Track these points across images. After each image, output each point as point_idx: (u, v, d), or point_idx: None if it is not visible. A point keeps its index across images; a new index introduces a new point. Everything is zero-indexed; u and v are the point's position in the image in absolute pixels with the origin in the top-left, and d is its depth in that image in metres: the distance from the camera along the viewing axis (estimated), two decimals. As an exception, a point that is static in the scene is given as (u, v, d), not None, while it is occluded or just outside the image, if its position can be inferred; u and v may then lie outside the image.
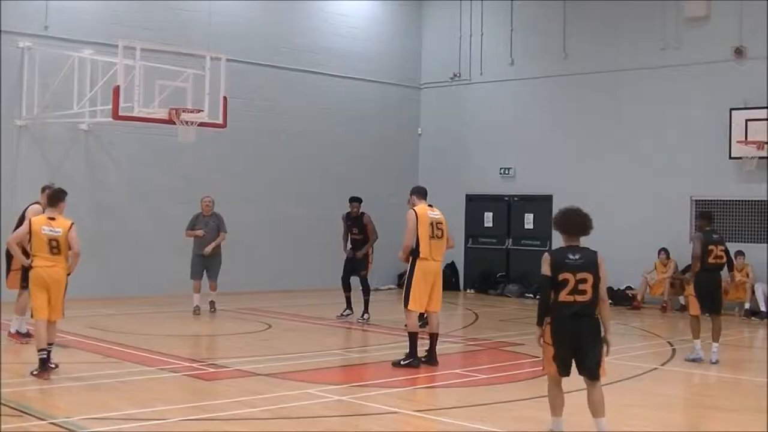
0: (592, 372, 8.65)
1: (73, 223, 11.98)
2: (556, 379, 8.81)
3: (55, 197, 12.21)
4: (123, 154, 21.59)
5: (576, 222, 8.77)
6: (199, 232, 18.81)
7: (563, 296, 8.53)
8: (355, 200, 18.51)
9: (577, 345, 8.60)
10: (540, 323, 8.72)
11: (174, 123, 18.50)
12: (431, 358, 13.33)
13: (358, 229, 18.40)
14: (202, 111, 18.72)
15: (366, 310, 18.28)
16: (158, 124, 18.99)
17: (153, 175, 21.98)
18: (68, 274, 12.00)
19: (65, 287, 11.94)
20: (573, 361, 8.68)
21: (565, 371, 8.70)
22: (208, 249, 18.74)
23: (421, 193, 13.82)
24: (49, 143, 20.56)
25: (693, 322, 14.25)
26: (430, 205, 13.56)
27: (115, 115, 17.96)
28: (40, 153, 20.42)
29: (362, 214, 18.34)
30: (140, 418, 9.72)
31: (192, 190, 22.35)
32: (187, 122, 18.53)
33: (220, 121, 19.26)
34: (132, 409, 10.13)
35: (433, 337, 13.47)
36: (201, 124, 18.85)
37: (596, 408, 8.66)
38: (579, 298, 8.53)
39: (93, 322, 16.95)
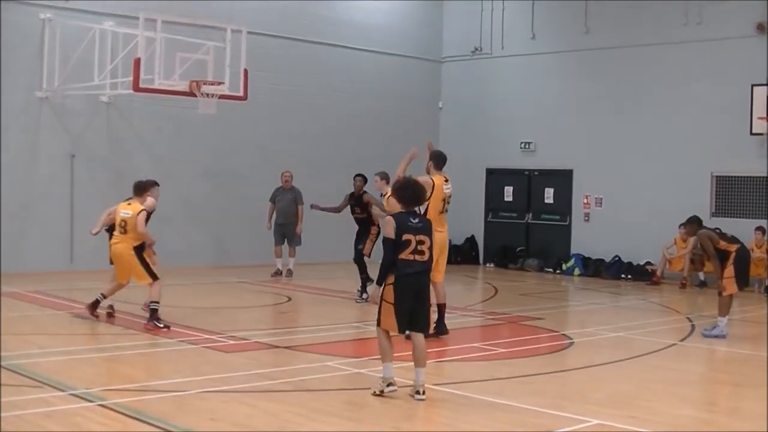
0: (424, 327, 9.56)
1: (142, 210, 13.66)
2: (388, 332, 9.53)
3: (135, 187, 13.96)
4: (143, 126, 21.60)
5: (410, 193, 9.63)
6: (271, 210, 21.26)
7: (405, 255, 9.34)
8: (359, 176, 17.64)
9: (415, 302, 9.41)
10: (380, 283, 9.44)
11: (195, 95, 18.51)
12: (441, 328, 13.24)
13: (360, 208, 17.55)
14: (223, 83, 18.72)
15: (364, 290, 17.06)
16: (179, 96, 18.99)
17: (173, 147, 22.00)
18: (141, 248, 13.72)
19: (136, 258, 13.63)
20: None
21: (403, 327, 9.47)
22: (299, 228, 21.10)
23: (440, 160, 13.58)
24: (69, 115, 20.59)
25: (726, 300, 14.17)
26: (446, 180, 13.45)
27: (136, 87, 17.99)
28: (61, 124, 20.46)
29: (364, 192, 17.56)
30: (160, 390, 9.76)
31: (212, 161, 22.47)
32: (207, 94, 18.53)
33: (240, 93, 19.25)
34: (151, 381, 10.20)
35: (442, 307, 13.35)
36: (221, 97, 18.85)
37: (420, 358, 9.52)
38: (418, 257, 9.40)
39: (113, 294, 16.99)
